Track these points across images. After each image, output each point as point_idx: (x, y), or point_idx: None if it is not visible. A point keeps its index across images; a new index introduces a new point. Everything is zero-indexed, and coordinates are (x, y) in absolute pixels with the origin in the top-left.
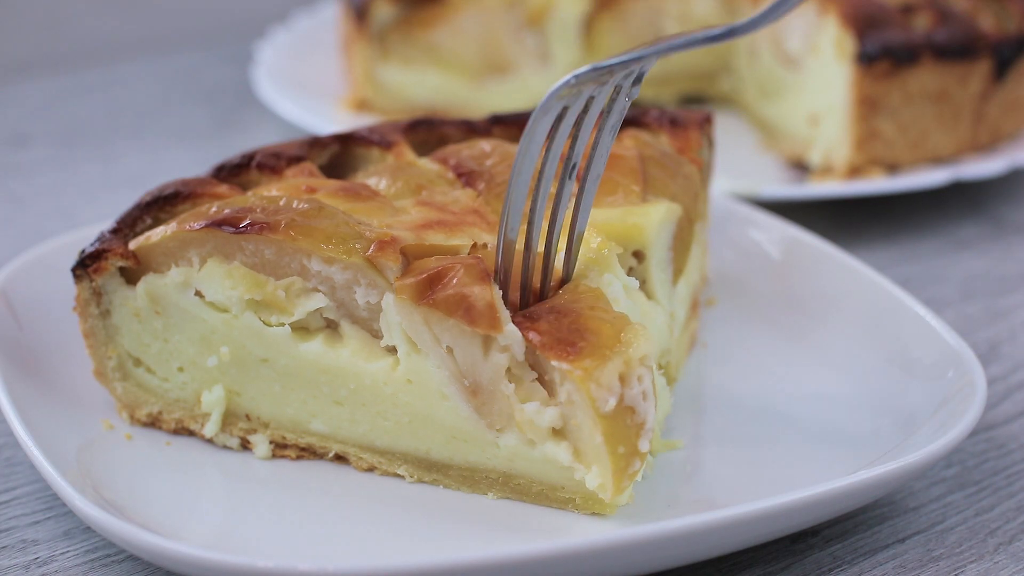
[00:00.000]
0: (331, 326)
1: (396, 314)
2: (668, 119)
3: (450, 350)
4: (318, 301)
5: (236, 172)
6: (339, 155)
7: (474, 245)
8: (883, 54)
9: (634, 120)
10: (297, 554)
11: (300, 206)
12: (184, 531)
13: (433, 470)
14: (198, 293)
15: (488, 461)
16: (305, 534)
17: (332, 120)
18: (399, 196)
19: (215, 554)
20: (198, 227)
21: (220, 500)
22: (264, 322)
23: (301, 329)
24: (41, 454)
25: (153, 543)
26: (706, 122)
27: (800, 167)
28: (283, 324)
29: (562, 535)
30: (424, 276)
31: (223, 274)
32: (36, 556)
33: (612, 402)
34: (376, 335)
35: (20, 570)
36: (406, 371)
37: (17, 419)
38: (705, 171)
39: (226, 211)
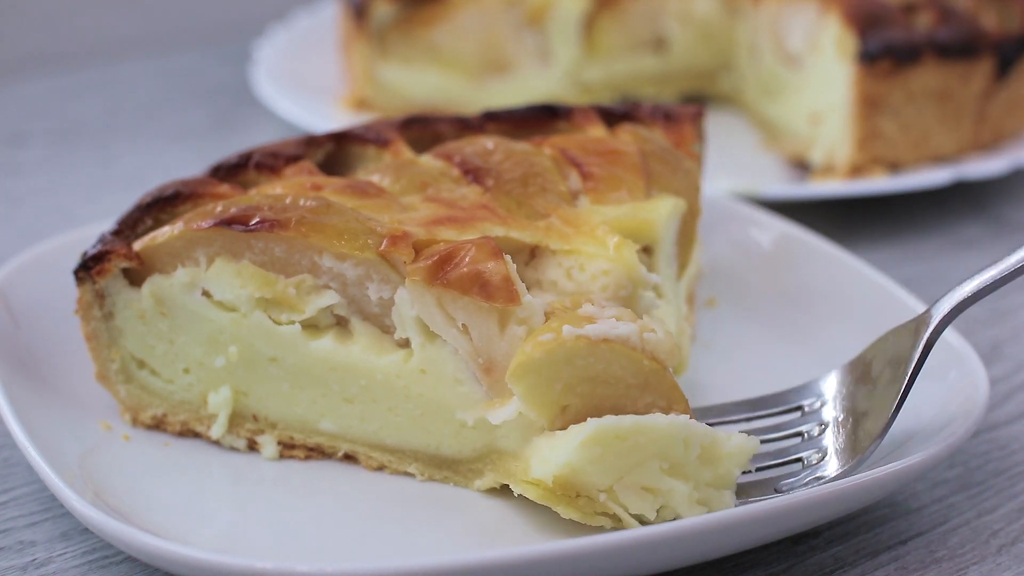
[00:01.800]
0: (341, 323)
1: (408, 300)
2: (662, 114)
3: (465, 329)
4: (329, 298)
5: (234, 172)
6: (335, 153)
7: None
8: (885, 53)
9: (627, 115)
10: (302, 555)
11: (308, 204)
12: (186, 533)
13: (444, 467)
14: (205, 293)
15: (498, 441)
16: (312, 535)
17: (331, 119)
18: (403, 193)
19: (213, 556)
20: (206, 226)
21: (223, 501)
22: (274, 320)
23: (311, 327)
24: (39, 455)
25: (150, 544)
26: (698, 116)
27: (802, 166)
28: (293, 322)
29: (565, 535)
30: (436, 258)
31: (232, 273)
32: (34, 557)
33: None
34: (387, 330)
35: (18, 571)
36: (420, 361)
37: (15, 420)
38: (698, 165)
39: (233, 210)
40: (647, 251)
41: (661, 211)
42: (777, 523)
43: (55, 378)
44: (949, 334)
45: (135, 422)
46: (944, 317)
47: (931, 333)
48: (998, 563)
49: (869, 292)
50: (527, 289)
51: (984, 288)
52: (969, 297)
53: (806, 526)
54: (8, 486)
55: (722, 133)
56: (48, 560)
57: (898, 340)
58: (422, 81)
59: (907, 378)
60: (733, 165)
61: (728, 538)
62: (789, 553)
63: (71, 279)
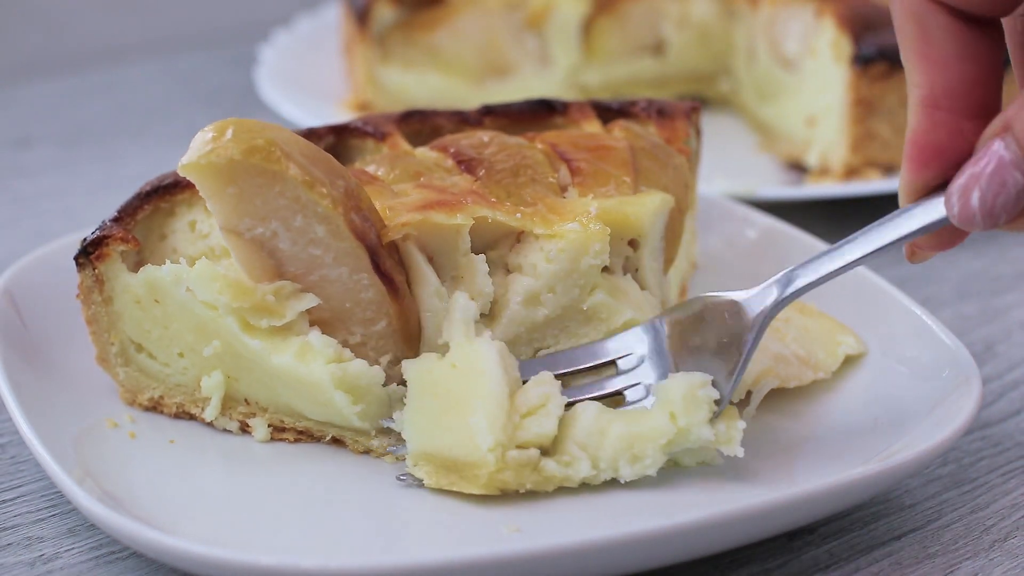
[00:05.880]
0: (321, 324)
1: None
2: (656, 109)
3: None
4: (308, 301)
5: None
6: (334, 146)
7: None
8: (879, 56)
9: (622, 111)
10: (306, 548)
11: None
12: (192, 528)
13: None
14: (189, 290)
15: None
16: (307, 525)
17: (334, 121)
18: (397, 182)
19: (218, 551)
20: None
21: (227, 498)
22: (249, 325)
23: (285, 330)
24: (46, 452)
25: (156, 540)
26: (693, 111)
27: (798, 168)
28: (269, 327)
29: (564, 528)
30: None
31: (210, 277)
32: (41, 553)
33: None
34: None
35: (25, 567)
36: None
37: (22, 417)
38: (693, 160)
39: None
40: (633, 244)
41: (648, 205)
42: (772, 519)
43: (61, 376)
44: (943, 334)
45: (134, 404)
46: (770, 310)
47: (764, 321)
48: (991, 558)
49: (863, 291)
50: (508, 272)
51: (816, 281)
52: (800, 290)
53: (801, 522)
54: (16, 483)
55: (719, 135)
56: (55, 555)
57: (719, 315)
58: (423, 84)
59: (743, 357)
60: (730, 167)
61: (723, 534)
62: (784, 549)
63: (77, 278)
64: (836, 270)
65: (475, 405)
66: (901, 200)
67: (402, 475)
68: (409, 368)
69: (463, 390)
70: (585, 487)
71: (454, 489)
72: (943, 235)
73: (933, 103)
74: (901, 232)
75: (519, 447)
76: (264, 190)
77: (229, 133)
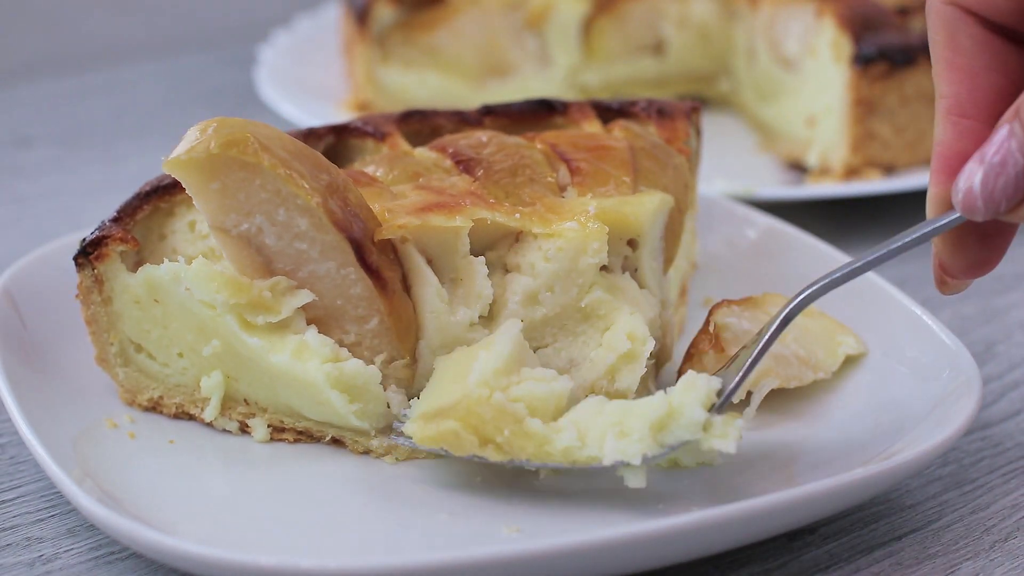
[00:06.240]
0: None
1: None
2: (656, 109)
3: None
4: (303, 297)
5: None
6: (334, 146)
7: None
8: (879, 56)
9: (622, 111)
10: (304, 548)
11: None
12: (187, 526)
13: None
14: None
15: None
16: (307, 525)
17: (333, 122)
18: (396, 183)
19: (217, 551)
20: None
21: (226, 497)
22: (247, 323)
23: (282, 327)
24: (45, 452)
25: (155, 540)
26: (693, 111)
27: (798, 168)
28: (265, 324)
29: (565, 528)
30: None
31: (207, 276)
32: (40, 553)
33: None
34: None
35: (24, 567)
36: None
37: (21, 417)
38: (693, 160)
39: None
40: (632, 244)
41: (647, 205)
42: (772, 519)
43: (61, 376)
44: (943, 334)
45: (133, 404)
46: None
47: (788, 312)
48: (991, 559)
49: (863, 292)
50: (507, 271)
51: (839, 278)
52: (821, 287)
53: (801, 522)
54: (15, 483)
55: (719, 135)
56: (55, 556)
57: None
58: (423, 84)
59: (762, 344)
60: (730, 167)
61: (723, 534)
62: (784, 549)
63: (76, 278)
64: (848, 273)
65: (478, 359)
66: (928, 215)
67: (396, 435)
68: (439, 361)
69: (473, 356)
70: (586, 489)
71: (438, 442)
72: (972, 257)
73: (960, 112)
74: (915, 234)
75: (511, 401)
76: (245, 184)
77: (210, 130)
